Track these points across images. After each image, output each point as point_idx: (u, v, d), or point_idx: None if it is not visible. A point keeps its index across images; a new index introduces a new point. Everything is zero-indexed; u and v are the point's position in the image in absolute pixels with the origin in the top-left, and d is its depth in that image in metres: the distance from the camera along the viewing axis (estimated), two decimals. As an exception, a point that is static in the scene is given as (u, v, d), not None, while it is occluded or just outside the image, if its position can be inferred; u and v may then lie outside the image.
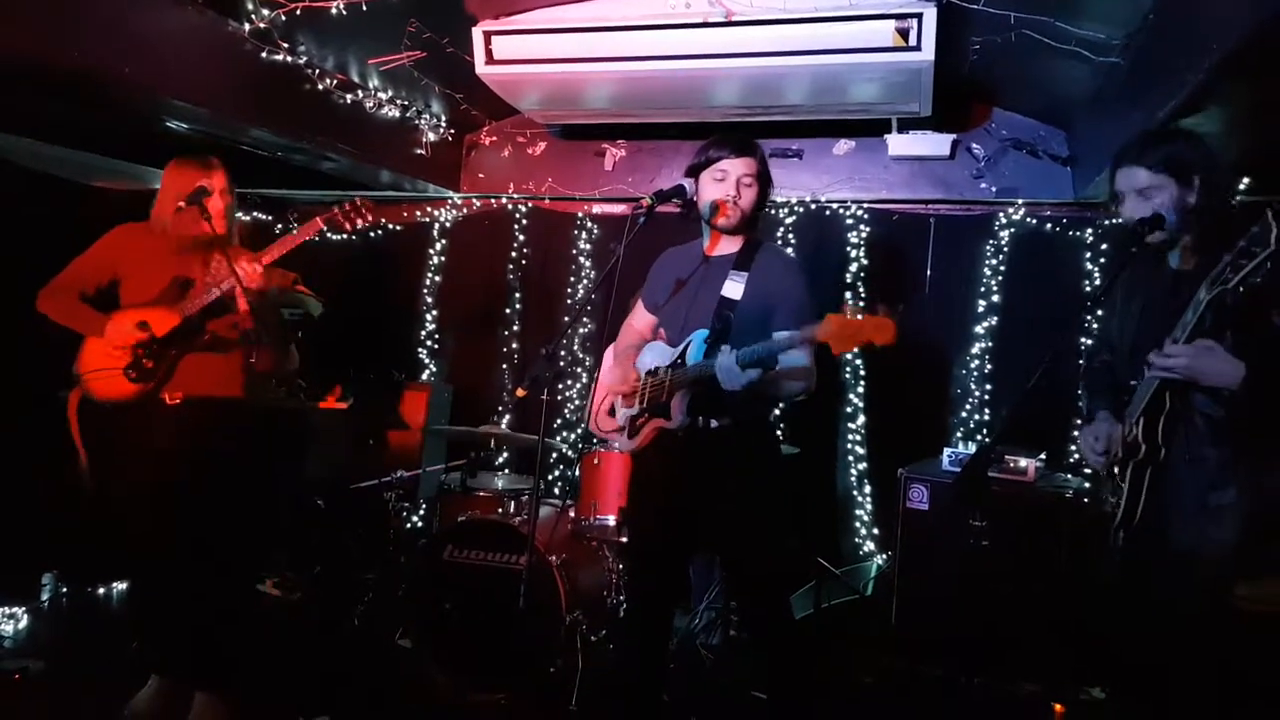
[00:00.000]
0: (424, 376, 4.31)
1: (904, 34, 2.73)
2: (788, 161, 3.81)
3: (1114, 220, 3.32)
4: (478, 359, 4.26)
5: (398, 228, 4.39)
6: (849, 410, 3.69)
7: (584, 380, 4.06)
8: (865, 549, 3.63)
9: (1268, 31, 1.72)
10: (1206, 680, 1.73)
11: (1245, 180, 2.87)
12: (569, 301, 4.11)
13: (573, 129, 4.07)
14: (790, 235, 3.78)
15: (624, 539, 2.76)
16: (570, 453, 3.83)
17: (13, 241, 3.20)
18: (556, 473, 4.03)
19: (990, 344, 3.54)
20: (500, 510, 2.92)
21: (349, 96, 3.41)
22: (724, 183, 1.99)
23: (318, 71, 3.22)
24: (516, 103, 3.55)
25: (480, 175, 4.29)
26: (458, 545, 2.79)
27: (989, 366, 3.53)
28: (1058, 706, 2.62)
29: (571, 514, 2.98)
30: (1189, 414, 1.71)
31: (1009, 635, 2.70)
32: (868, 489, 3.64)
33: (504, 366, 4.22)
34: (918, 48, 2.73)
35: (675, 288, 2.10)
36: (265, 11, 2.83)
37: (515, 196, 4.21)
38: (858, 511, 3.65)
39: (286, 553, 3.59)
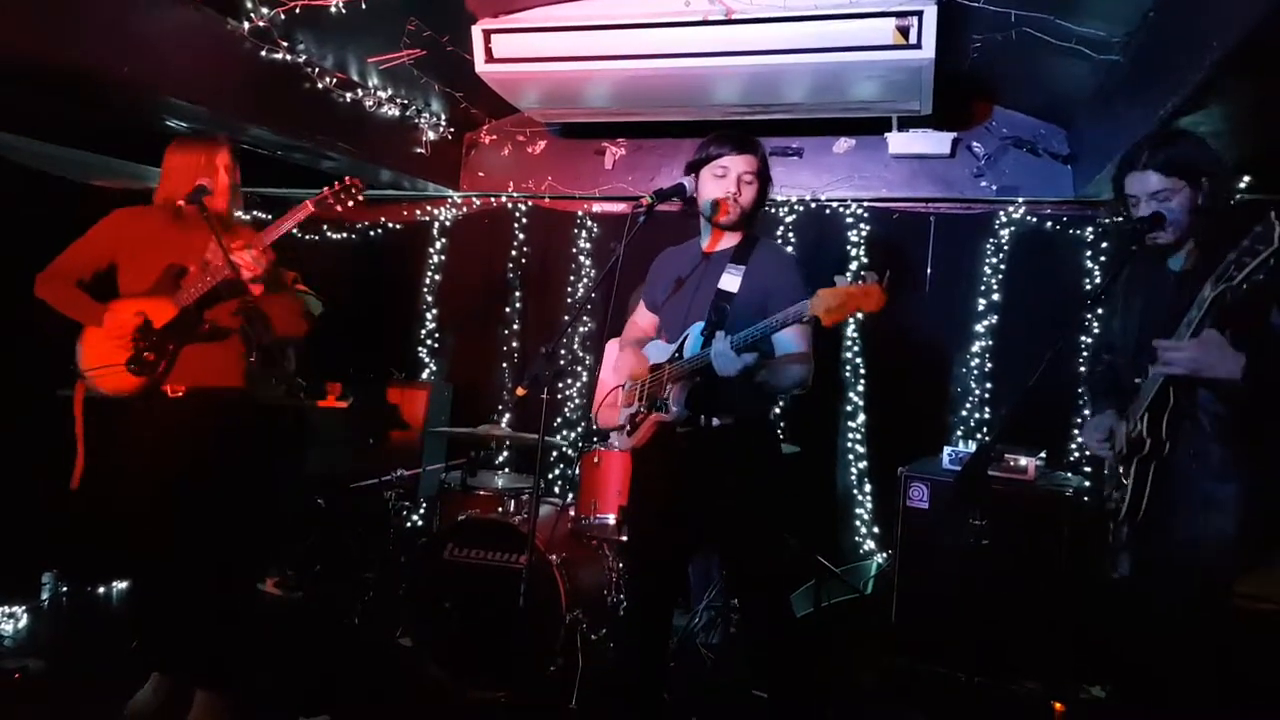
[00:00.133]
0: (424, 375, 4.31)
1: (904, 32, 2.73)
2: (788, 160, 3.80)
3: (1115, 219, 3.31)
4: (478, 358, 4.26)
5: (397, 226, 4.39)
6: (849, 409, 3.69)
7: (584, 379, 4.06)
8: (865, 547, 3.63)
9: (1268, 29, 1.72)
10: (1207, 675, 1.73)
11: (1246, 179, 2.87)
12: (569, 300, 4.11)
13: (573, 127, 4.06)
14: (790, 234, 3.77)
15: (624, 538, 2.76)
16: (570, 451, 3.83)
17: (12, 240, 3.19)
18: (556, 471, 4.03)
19: (990, 343, 3.53)
20: (500, 509, 2.92)
21: (349, 95, 3.41)
22: (724, 179, 1.99)
23: (317, 70, 3.22)
24: (516, 101, 3.55)
25: (480, 174, 4.29)
26: (458, 544, 2.79)
27: (989, 365, 3.53)
28: (1058, 705, 2.62)
29: (571, 513, 2.98)
30: (1193, 410, 1.73)
31: (1009, 634, 2.70)
32: (868, 487, 3.64)
33: (504, 365, 4.21)
34: (918, 45, 2.73)
35: (675, 286, 2.10)
36: (265, 10, 2.83)
37: (515, 195, 4.21)
38: (858, 510, 3.65)
39: (287, 551, 3.59)
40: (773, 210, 3.75)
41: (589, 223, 4.11)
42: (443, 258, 4.34)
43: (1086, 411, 3.27)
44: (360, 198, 2.27)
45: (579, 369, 4.08)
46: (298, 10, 2.79)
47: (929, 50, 2.73)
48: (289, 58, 3.06)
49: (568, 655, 2.60)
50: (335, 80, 3.31)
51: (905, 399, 3.59)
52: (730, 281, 1.99)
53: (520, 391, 2.06)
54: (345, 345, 4.10)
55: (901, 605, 2.95)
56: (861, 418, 3.67)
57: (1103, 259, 3.40)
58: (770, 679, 2.06)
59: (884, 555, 3.54)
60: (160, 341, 2.18)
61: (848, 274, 1.66)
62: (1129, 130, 2.59)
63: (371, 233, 4.42)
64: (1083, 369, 3.34)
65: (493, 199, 4.25)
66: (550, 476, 4.01)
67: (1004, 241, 3.54)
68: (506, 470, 3.96)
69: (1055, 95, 3.27)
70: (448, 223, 4.34)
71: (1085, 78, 2.89)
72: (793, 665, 1.98)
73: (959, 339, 3.57)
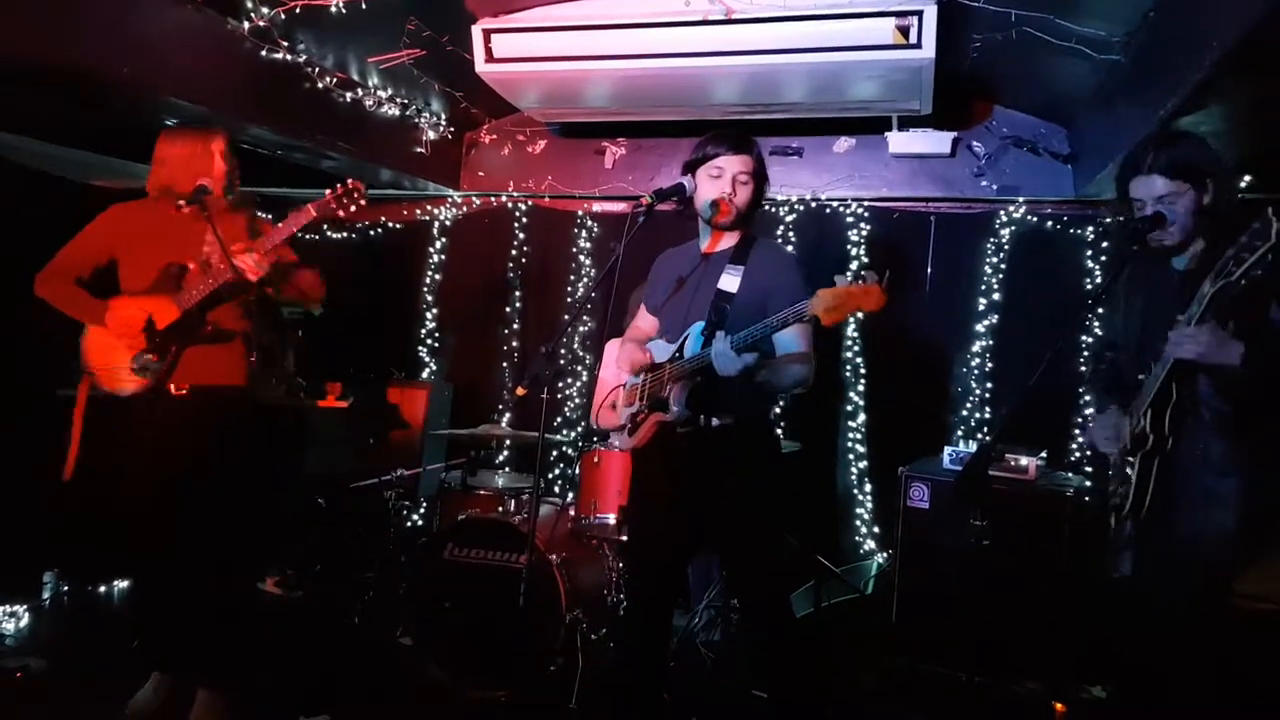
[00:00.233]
0: (424, 375, 4.31)
1: (904, 31, 2.72)
2: (788, 159, 3.80)
3: (1117, 218, 3.31)
4: (478, 357, 4.26)
5: (398, 226, 4.39)
6: (850, 408, 3.69)
7: (584, 378, 4.06)
8: (866, 547, 3.62)
9: (1268, 29, 1.72)
10: (1208, 673, 1.74)
11: (1246, 178, 2.86)
12: (569, 299, 4.11)
13: (572, 127, 4.06)
14: (791, 233, 3.77)
15: (624, 537, 2.76)
16: (571, 451, 3.83)
17: (11, 240, 3.19)
18: (557, 471, 4.03)
19: (991, 342, 3.53)
20: (500, 509, 2.92)
21: (349, 95, 3.41)
22: (720, 180, 1.99)
23: (317, 70, 3.22)
24: (516, 101, 3.55)
25: (480, 173, 4.29)
26: (458, 544, 2.79)
27: (990, 365, 3.53)
28: (1058, 705, 2.61)
29: (571, 512, 2.98)
30: (1195, 405, 1.74)
31: (1010, 634, 2.69)
32: (868, 487, 3.63)
33: (504, 365, 4.22)
34: (918, 45, 2.73)
35: (675, 287, 2.10)
36: (265, 10, 2.83)
37: (515, 195, 4.21)
38: (858, 510, 3.65)
39: (287, 551, 3.59)
40: (773, 210, 3.75)
41: (589, 222, 4.11)
42: (443, 257, 4.34)
43: (1088, 411, 3.27)
44: (362, 201, 2.27)
45: (579, 368, 4.08)
46: (298, 10, 2.79)
47: (929, 50, 2.73)
48: (289, 57, 3.06)
49: (568, 655, 2.60)
50: (335, 80, 3.31)
51: (906, 398, 3.59)
52: (730, 281, 1.99)
53: (520, 391, 2.06)
54: (345, 345, 4.11)
55: (902, 605, 2.95)
56: (862, 417, 3.66)
57: (1103, 258, 3.40)
58: (770, 679, 2.06)
59: (884, 555, 3.54)
60: (164, 342, 2.18)
61: (848, 274, 1.66)
62: (1130, 130, 2.60)
63: (371, 232, 4.42)
64: (1083, 368, 3.34)
65: (493, 198, 4.25)
66: (550, 476, 4.01)
67: (1004, 241, 3.54)
68: (506, 470, 3.96)
69: (1055, 95, 3.27)
70: (448, 222, 4.34)
71: (1085, 77, 2.89)
72: (793, 665, 1.98)
73: (959, 338, 3.57)
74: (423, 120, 3.85)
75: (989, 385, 3.53)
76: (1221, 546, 1.73)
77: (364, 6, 2.79)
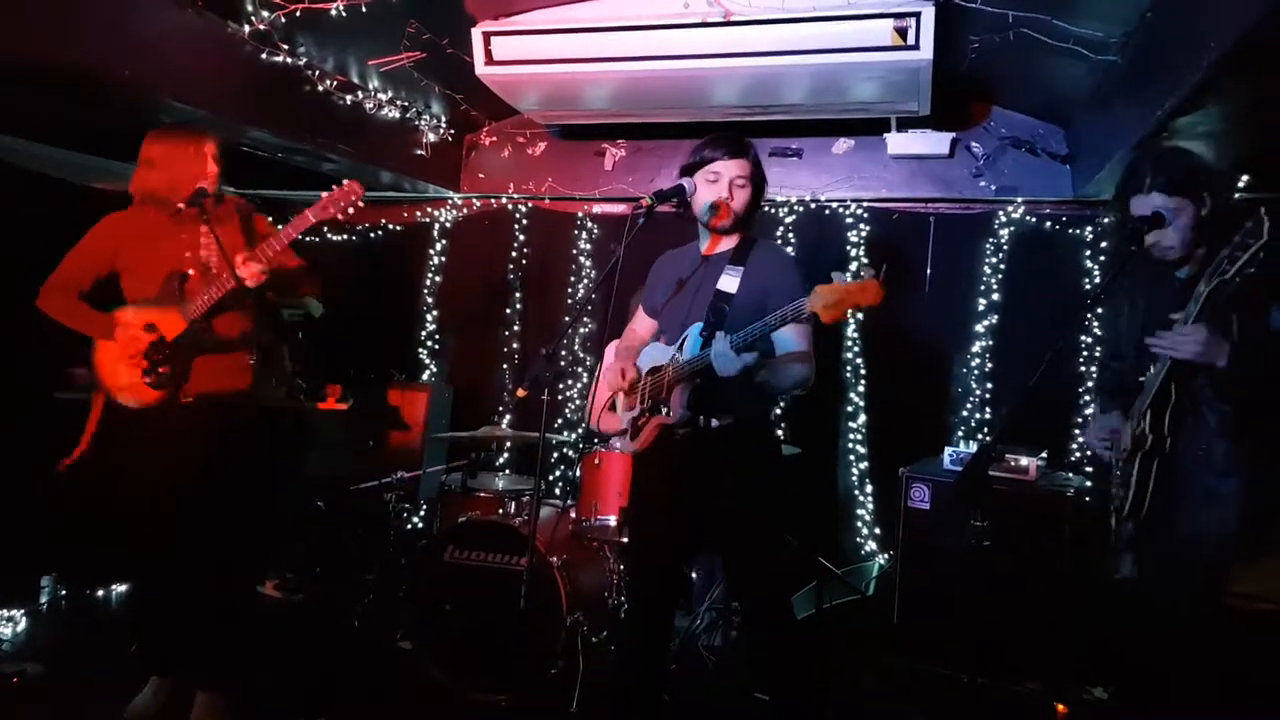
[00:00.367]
0: (424, 377, 4.31)
1: (902, 33, 2.73)
2: (787, 160, 3.81)
3: (1115, 218, 3.32)
4: (478, 359, 4.26)
5: (398, 228, 4.39)
6: (850, 409, 3.69)
7: (584, 380, 4.06)
8: (867, 549, 3.62)
9: (1265, 29, 1.73)
10: (1208, 672, 1.74)
11: (1244, 178, 2.87)
12: (569, 301, 4.11)
13: (572, 129, 4.07)
14: (790, 234, 3.78)
15: (625, 539, 2.76)
16: (571, 453, 3.82)
17: (11, 242, 3.20)
18: (557, 473, 4.03)
19: (990, 343, 3.53)
20: (501, 511, 2.92)
21: (349, 97, 3.41)
22: (717, 184, 1.99)
23: (317, 73, 3.23)
24: (516, 103, 3.55)
25: (480, 175, 4.29)
26: (458, 546, 2.78)
27: (989, 365, 3.53)
28: (1060, 706, 2.61)
29: (572, 514, 2.98)
30: (1194, 406, 1.76)
31: (1011, 634, 2.69)
32: (869, 488, 3.63)
33: (504, 367, 4.21)
34: (916, 46, 2.73)
35: (675, 288, 2.10)
36: (265, 13, 2.83)
37: (515, 197, 4.21)
38: (859, 511, 3.65)
39: (287, 554, 3.58)
40: (772, 211, 3.76)
41: (589, 224, 4.11)
42: (443, 259, 4.34)
43: (1089, 411, 3.27)
44: (360, 203, 2.26)
45: (579, 370, 4.08)
46: (298, 13, 2.79)
47: (927, 51, 2.73)
48: (289, 60, 3.06)
49: (568, 658, 2.60)
50: (336, 83, 3.32)
51: (906, 399, 3.59)
52: (729, 283, 1.99)
53: (521, 393, 2.06)
54: (345, 347, 4.11)
55: (903, 606, 2.94)
56: (862, 418, 3.66)
57: (1102, 258, 3.40)
58: (771, 680, 2.05)
59: (885, 556, 3.54)
60: (174, 354, 2.19)
61: (846, 273, 1.66)
62: (1127, 130, 2.60)
63: (372, 234, 4.43)
64: (1083, 369, 3.35)
65: (493, 200, 4.26)
66: (551, 478, 4.01)
67: (1003, 241, 3.54)
68: (507, 472, 3.96)
69: (1053, 95, 3.27)
70: (448, 224, 4.34)
71: (1083, 78, 2.89)
72: (794, 667, 1.98)
73: (959, 339, 3.57)
74: (423, 123, 3.86)
75: (989, 386, 3.54)
76: (1222, 547, 1.74)
77: (364, 10, 2.79)
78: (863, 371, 3.68)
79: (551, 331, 4.03)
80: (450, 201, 4.31)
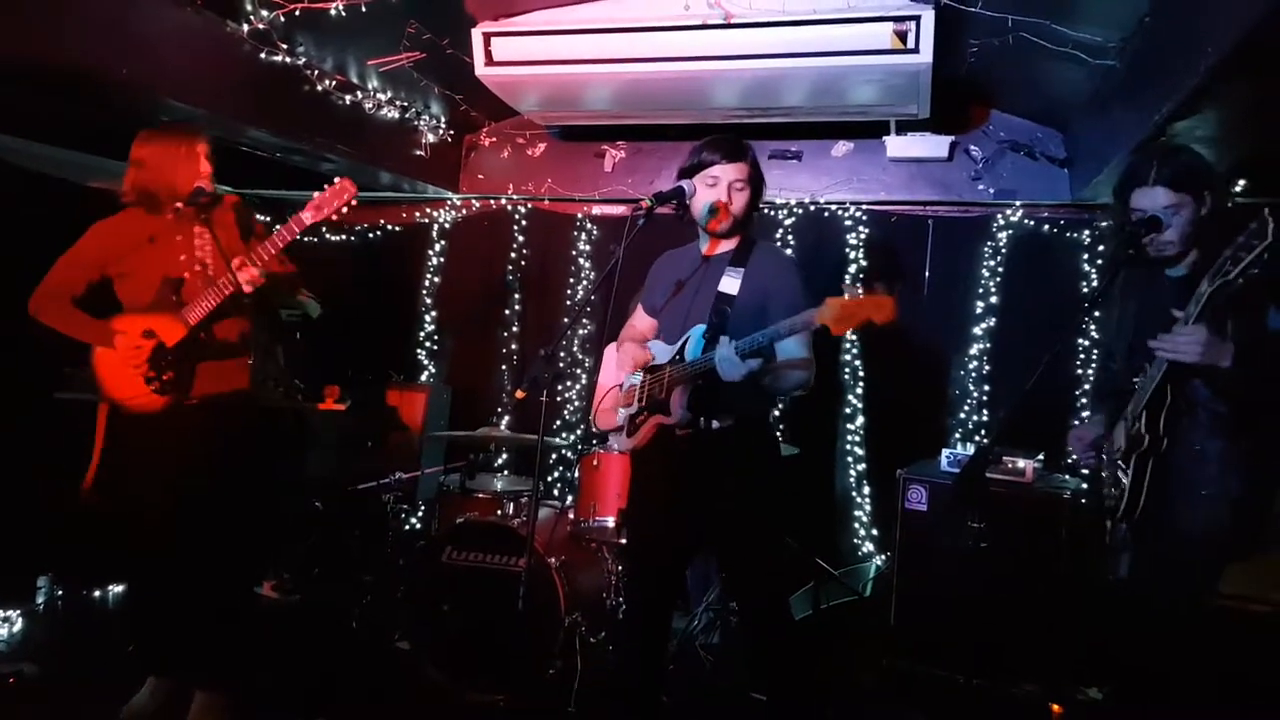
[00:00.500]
0: (423, 378, 4.31)
1: (902, 36, 2.74)
2: (786, 163, 3.81)
3: (1112, 221, 3.33)
4: (477, 360, 4.26)
5: (397, 229, 4.39)
6: (848, 411, 3.70)
7: (584, 381, 4.06)
8: (864, 550, 3.63)
9: (1263, 33, 1.73)
10: (1204, 672, 1.75)
11: (1241, 182, 2.88)
12: (568, 303, 4.11)
13: (572, 130, 4.07)
14: (789, 237, 3.78)
15: (623, 540, 2.76)
16: (570, 454, 3.82)
17: (10, 242, 3.19)
18: (556, 474, 4.03)
19: (988, 345, 3.54)
20: (499, 512, 2.92)
21: (348, 97, 3.41)
22: (715, 188, 2.00)
23: (317, 73, 3.22)
24: (516, 104, 3.56)
25: (480, 176, 4.29)
26: (456, 547, 2.78)
27: (987, 367, 3.54)
28: (1055, 707, 2.62)
29: (570, 515, 2.98)
30: (1190, 406, 1.76)
31: (1008, 636, 2.70)
32: (867, 490, 3.64)
33: (503, 368, 4.21)
34: (915, 50, 2.74)
35: (675, 289, 2.11)
36: (264, 12, 2.83)
37: (515, 198, 4.21)
38: (857, 512, 3.66)
39: (285, 554, 3.58)
40: (771, 213, 3.76)
41: (588, 225, 4.12)
42: (442, 260, 4.34)
43: (1085, 414, 3.28)
44: (353, 201, 2.25)
45: (578, 371, 4.08)
46: (297, 13, 2.79)
47: (926, 55, 2.74)
48: (288, 60, 3.06)
49: (566, 658, 2.60)
50: (335, 83, 3.32)
51: (904, 401, 3.60)
52: (730, 284, 2.00)
53: (519, 394, 2.06)
54: (344, 347, 4.10)
55: (900, 607, 2.95)
56: (860, 420, 3.67)
57: (1099, 261, 3.41)
58: (769, 681, 2.06)
59: (883, 557, 3.54)
60: (176, 360, 2.19)
61: (858, 286, 1.67)
62: (1125, 134, 2.61)
63: (371, 235, 4.42)
64: (1080, 371, 3.36)
65: (492, 201, 4.26)
66: (550, 479, 4.01)
67: (1001, 244, 3.55)
68: (505, 473, 3.95)
69: (1052, 99, 3.29)
70: (447, 225, 4.34)
71: (1081, 82, 2.90)
72: (792, 667, 1.98)
73: (957, 341, 3.58)
74: (422, 123, 3.86)
75: (986, 388, 3.54)
76: (1217, 548, 1.74)
77: (363, 9, 2.79)
78: (861, 373, 3.69)
79: (550, 333, 4.03)
80: (449, 202, 4.31)
